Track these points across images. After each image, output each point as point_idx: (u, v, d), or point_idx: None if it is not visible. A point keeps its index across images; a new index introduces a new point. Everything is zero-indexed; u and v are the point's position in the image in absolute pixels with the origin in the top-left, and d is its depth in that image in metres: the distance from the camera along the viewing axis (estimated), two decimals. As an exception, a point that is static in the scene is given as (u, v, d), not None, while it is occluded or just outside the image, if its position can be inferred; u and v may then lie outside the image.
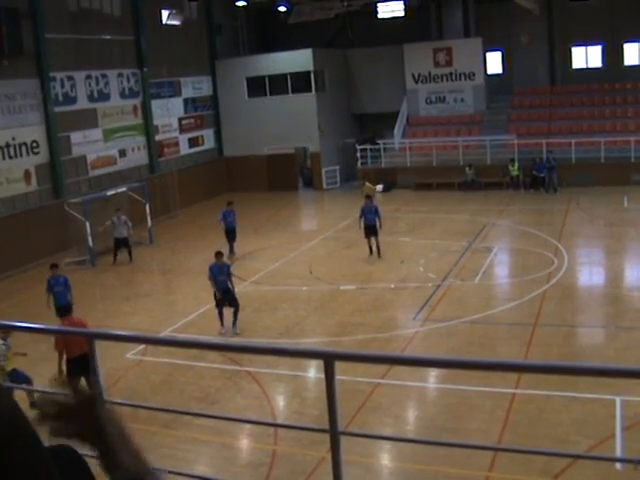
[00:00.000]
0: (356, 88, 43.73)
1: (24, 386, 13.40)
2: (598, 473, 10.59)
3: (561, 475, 10.56)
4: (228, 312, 18.53)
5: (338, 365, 3.18)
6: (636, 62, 40.28)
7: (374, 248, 24.79)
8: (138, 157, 35.54)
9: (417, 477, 11.42)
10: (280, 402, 14.82)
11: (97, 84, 32.81)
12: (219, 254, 18.95)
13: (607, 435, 11.70)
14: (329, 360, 3.20)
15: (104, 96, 33.26)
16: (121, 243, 26.68)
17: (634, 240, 25.84)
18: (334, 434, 3.25)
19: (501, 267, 24.48)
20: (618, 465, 10.69)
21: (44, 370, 16.77)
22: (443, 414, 13.35)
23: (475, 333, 17.45)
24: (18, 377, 14.04)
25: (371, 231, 24.58)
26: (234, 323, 18.50)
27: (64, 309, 16.51)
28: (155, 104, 36.60)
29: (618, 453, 11.32)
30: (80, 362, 12.74)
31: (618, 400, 12.39)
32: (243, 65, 41.80)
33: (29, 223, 27.83)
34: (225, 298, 18.60)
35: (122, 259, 27.05)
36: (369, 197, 26.04)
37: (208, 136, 41.82)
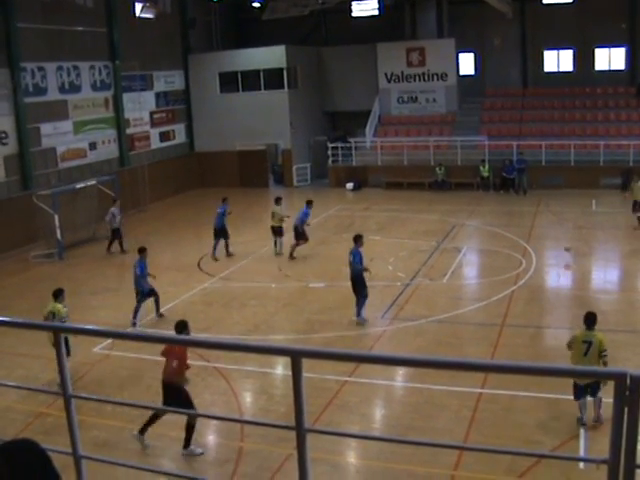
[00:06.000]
0: (329, 86, 43.74)
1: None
2: (562, 473, 10.70)
3: (526, 474, 10.65)
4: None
5: (306, 362, 3.18)
6: (606, 67, 40.69)
7: None
8: (108, 150, 35.28)
9: (383, 475, 11.45)
10: (247, 399, 14.79)
11: (68, 75, 32.50)
12: (144, 250, 19.44)
13: (571, 435, 11.82)
14: (296, 357, 3.19)
15: (75, 88, 32.97)
16: (117, 233, 27.07)
17: (602, 243, 26.08)
18: (300, 431, 3.25)
19: (470, 267, 24.60)
20: (581, 465, 10.80)
21: (10, 363, 16.66)
22: (409, 413, 13.41)
23: (443, 332, 17.54)
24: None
25: None
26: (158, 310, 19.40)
27: (150, 294, 19.10)
28: (127, 97, 36.35)
29: (582, 453, 11.44)
30: (166, 390, 12.18)
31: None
32: (216, 60, 41.64)
33: (-4, 215, 27.60)
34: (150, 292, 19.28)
35: (88, 251, 26.95)
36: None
37: (179, 131, 41.62)
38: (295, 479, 3.27)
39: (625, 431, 2.71)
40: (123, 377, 15.67)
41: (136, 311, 18.88)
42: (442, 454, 11.26)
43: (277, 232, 25.55)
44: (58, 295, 15.62)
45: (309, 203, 25.68)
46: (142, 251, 19.37)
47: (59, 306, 15.39)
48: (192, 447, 12.10)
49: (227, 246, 25.71)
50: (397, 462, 11.35)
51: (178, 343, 11.98)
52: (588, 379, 11.44)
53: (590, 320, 12.11)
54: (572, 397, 12.08)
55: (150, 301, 19.24)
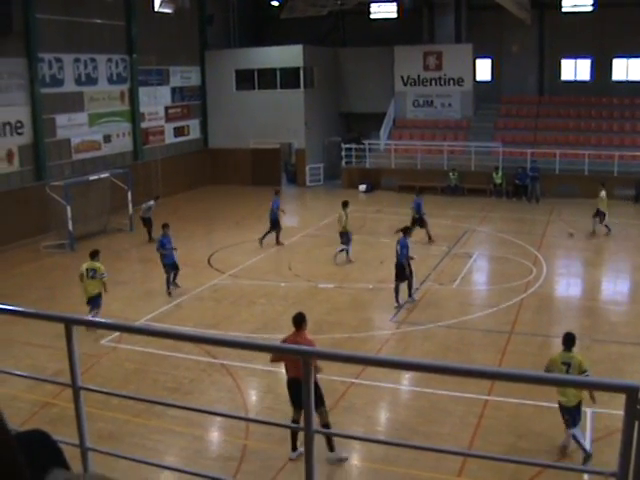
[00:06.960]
0: (344, 87, 43.76)
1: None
2: (566, 483, 10.65)
3: (529, 483, 10.62)
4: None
5: (314, 363, 3.18)
6: (624, 78, 40.56)
7: None
8: (123, 143, 35.39)
9: (387, 478, 11.44)
10: (253, 397, 14.80)
11: (85, 68, 32.61)
12: (167, 226, 21.48)
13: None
14: (308, 358, 3.19)
15: (92, 80, 33.08)
16: (148, 222, 28.03)
17: (613, 254, 25.99)
18: (309, 432, 3.25)
19: (480, 273, 24.56)
20: (586, 476, 10.76)
21: (18, 352, 16.72)
22: (415, 417, 13.39)
23: (451, 338, 17.51)
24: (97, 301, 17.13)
25: None
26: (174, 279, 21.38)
27: (174, 266, 21.04)
28: (142, 91, 36.45)
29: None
30: (295, 385, 11.48)
31: (589, 412, 12.45)
32: (233, 57, 41.72)
33: (9, 204, 27.65)
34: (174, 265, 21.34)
35: (100, 244, 27.02)
36: None
37: (194, 126, 41.70)
38: (298, 478, 3.28)
39: (635, 444, 2.71)
40: (130, 370, 15.72)
41: (167, 282, 21.06)
42: (446, 460, 11.24)
43: (342, 238, 24.49)
44: (95, 255, 17.52)
45: (419, 194, 27.62)
46: (165, 227, 21.26)
47: (97, 264, 17.22)
48: (336, 451, 11.52)
49: (277, 237, 26.93)
50: (401, 466, 11.34)
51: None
52: (576, 399, 11.30)
53: (569, 341, 11.56)
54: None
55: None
